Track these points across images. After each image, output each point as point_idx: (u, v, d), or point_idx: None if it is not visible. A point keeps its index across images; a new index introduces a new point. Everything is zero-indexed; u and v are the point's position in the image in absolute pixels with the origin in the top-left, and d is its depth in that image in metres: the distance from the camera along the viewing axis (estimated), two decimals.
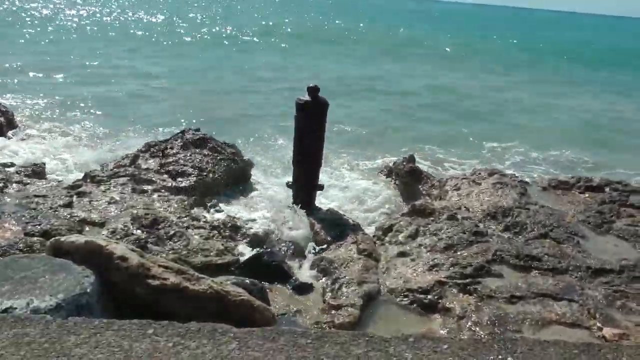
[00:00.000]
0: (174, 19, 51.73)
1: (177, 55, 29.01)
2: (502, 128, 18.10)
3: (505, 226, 7.07)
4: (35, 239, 5.78)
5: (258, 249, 6.70)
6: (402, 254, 6.48)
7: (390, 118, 18.60)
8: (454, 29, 75.08)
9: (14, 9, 50.59)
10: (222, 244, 6.46)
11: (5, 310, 3.42)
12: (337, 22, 68.81)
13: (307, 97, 7.50)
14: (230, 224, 7.00)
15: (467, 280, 5.74)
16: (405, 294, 5.63)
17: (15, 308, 3.46)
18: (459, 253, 6.30)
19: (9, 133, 11.69)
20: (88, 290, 3.77)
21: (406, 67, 32.05)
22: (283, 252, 6.73)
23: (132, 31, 40.43)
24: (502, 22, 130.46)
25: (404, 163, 10.06)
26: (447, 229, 6.82)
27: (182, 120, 15.42)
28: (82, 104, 16.78)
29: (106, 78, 21.49)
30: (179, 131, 9.81)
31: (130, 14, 54.78)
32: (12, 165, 9.19)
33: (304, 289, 5.98)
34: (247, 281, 5.24)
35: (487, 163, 13.23)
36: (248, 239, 6.84)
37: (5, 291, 3.61)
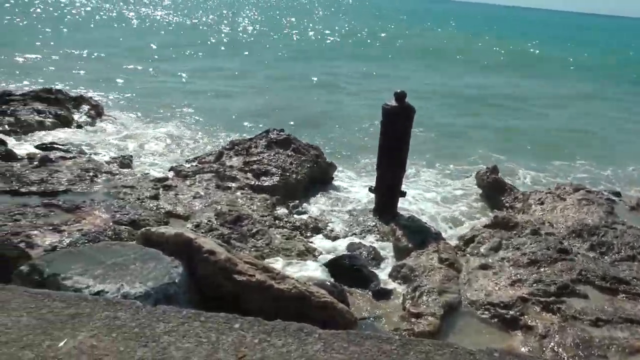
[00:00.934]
0: (260, 27, 52.15)
1: (263, 59, 29.27)
2: None
3: (591, 245, 6.84)
4: (123, 227, 5.96)
5: (339, 251, 6.69)
6: (484, 267, 6.35)
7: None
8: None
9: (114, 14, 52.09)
10: (304, 245, 6.48)
11: (98, 293, 3.52)
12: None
13: (393, 103, 7.47)
14: (311, 225, 7.03)
15: (551, 299, 5.56)
16: (486, 307, 5.53)
17: (107, 292, 3.56)
18: (542, 270, 6.12)
19: (99, 125, 12.05)
20: (176, 280, 3.85)
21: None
22: (364, 256, 6.69)
23: (222, 35, 41.06)
24: (575, 28, 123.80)
25: (488, 174, 9.88)
26: (531, 243, 6.65)
27: (266, 119, 15.55)
28: (169, 100, 17.15)
29: (193, 77, 21.92)
30: (263, 130, 9.90)
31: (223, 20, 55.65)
32: (100, 155, 9.50)
33: (383, 294, 5.95)
34: (328, 283, 5.28)
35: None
36: (330, 240, 6.83)
37: (98, 275, 3.73)
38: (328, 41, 38.23)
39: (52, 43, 26.55)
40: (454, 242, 7.30)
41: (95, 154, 9.57)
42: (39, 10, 38.11)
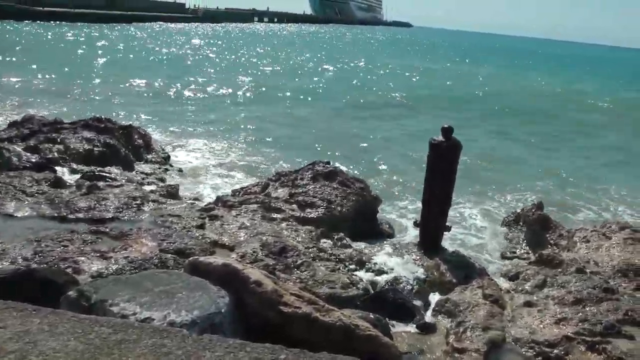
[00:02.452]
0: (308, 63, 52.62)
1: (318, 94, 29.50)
2: None
3: (638, 285, 6.64)
4: (169, 255, 5.98)
5: (383, 285, 6.62)
6: (528, 304, 6.23)
7: None
8: None
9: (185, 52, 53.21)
10: (348, 278, 6.42)
11: (144, 320, 3.51)
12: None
13: (440, 138, 7.44)
14: (356, 258, 6.96)
15: (596, 339, 5.39)
16: (530, 345, 5.41)
17: (154, 319, 3.56)
18: (587, 309, 5.95)
19: (148, 156, 12.19)
20: (222, 310, 3.84)
21: None
22: (407, 290, 6.62)
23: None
24: None
25: (533, 210, 9.72)
26: (576, 282, 6.49)
27: (312, 152, 15.65)
28: (222, 133, 17.37)
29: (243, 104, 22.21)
30: (309, 162, 9.91)
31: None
32: (148, 184, 9.60)
33: (427, 328, 5.89)
34: (372, 316, 5.21)
35: None
36: (373, 274, 6.77)
37: (145, 302, 3.73)
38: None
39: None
40: (498, 278, 7.19)
41: (143, 182, 9.66)
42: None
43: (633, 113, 31.94)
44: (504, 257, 8.60)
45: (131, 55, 41.90)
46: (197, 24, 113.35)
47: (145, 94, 24.18)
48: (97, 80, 26.59)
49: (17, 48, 38.85)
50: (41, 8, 72.51)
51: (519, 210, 10.51)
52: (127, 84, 26.46)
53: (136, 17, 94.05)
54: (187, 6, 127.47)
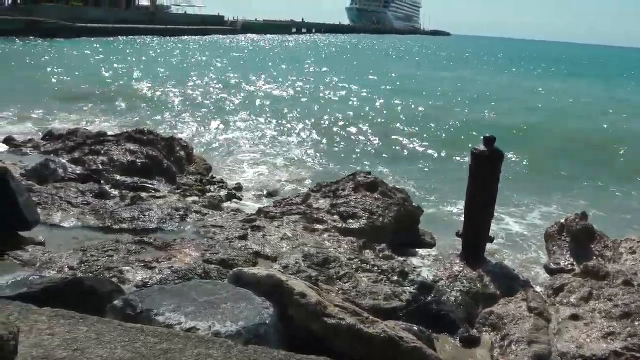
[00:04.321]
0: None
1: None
2: None
3: None
4: (212, 266, 6.00)
5: (426, 296, 6.56)
6: (574, 317, 6.06)
7: None
8: None
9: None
10: (390, 289, 6.37)
11: (189, 330, 3.53)
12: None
13: (482, 147, 7.37)
14: (398, 269, 6.89)
15: None
16: None
17: (199, 329, 3.57)
18: (636, 323, 5.77)
19: (190, 168, 12.31)
20: (267, 321, 3.83)
21: None
22: (451, 302, 6.54)
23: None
24: None
25: (577, 220, 9.54)
26: (623, 295, 6.29)
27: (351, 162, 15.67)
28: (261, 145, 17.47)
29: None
30: (350, 173, 9.90)
31: None
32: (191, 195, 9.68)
33: (471, 341, 5.83)
34: (416, 328, 5.17)
35: None
36: (416, 285, 6.70)
37: (190, 312, 3.75)
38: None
39: None
40: (542, 290, 7.07)
41: (185, 194, 9.75)
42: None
43: None
44: (547, 268, 8.43)
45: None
46: (241, 35, 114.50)
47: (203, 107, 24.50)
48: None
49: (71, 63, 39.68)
50: (84, 24, 73.84)
51: (562, 221, 10.35)
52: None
53: (177, 30, 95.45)
54: (226, 19, 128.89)
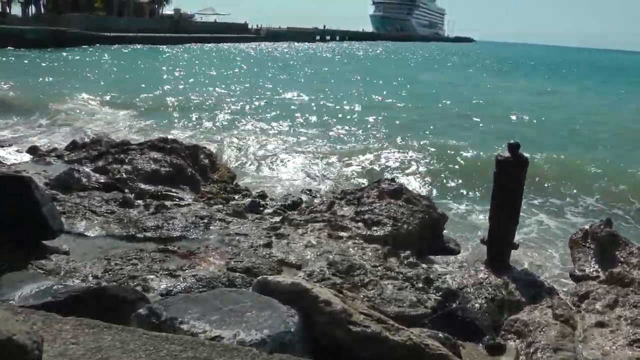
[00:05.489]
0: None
1: None
2: None
3: None
4: (237, 274, 6.00)
5: (451, 303, 6.50)
6: (600, 324, 5.97)
7: None
8: None
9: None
10: (415, 296, 6.33)
11: (214, 339, 3.51)
12: None
13: (507, 154, 7.31)
14: (423, 276, 6.85)
15: None
16: None
17: (223, 338, 3.55)
18: None
19: (214, 176, 12.34)
20: (292, 329, 3.80)
21: None
22: (476, 309, 6.48)
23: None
24: None
25: (601, 227, 9.43)
26: None
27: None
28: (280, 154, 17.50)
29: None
30: (374, 181, 9.87)
31: None
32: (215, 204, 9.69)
33: (497, 349, 5.74)
34: (441, 335, 5.12)
35: None
36: (441, 292, 6.65)
37: (214, 320, 3.73)
38: None
39: None
40: (567, 298, 6.99)
41: (209, 202, 9.77)
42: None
43: None
44: (572, 275, 8.33)
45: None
46: (268, 43, 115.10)
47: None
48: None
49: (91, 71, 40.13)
50: (108, 34, 74.71)
51: (587, 227, 10.25)
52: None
53: (201, 38, 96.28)
54: (249, 26, 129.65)
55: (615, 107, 38.10)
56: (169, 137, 13.38)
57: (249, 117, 24.25)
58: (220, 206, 9.50)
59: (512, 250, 7.86)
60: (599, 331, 5.85)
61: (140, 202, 8.92)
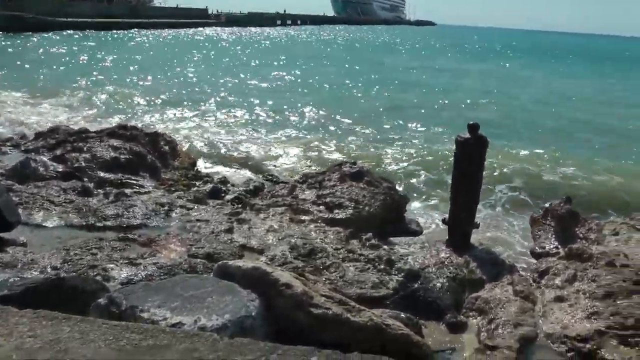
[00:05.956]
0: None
1: None
2: None
3: None
4: (198, 260, 5.99)
5: (412, 284, 6.57)
6: (559, 299, 6.11)
7: None
8: None
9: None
10: (377, 277, 6.38)
11: (175, 325, 3.50)
12: None
13: (467, 134, 7.38)
14: (385, 258, 6.89)
15: (629, 332, 5.26)
16: (562, 340, 5.32)
17: (184, 324, 3.55)
18: (619, 302, 5.80)
19: (175, 162, 12.21)
20: (253, 313, 3.83)
21: None
22: (437, 288, 6.55)
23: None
24: None
25: (561, 204, 9.60)
26: (606, 275, 6.34)
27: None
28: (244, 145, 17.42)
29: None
30: (336, 164, 9.88)
31: None
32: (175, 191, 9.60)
33: (458, 326, 5.83)
34: (403, 315, 5.18)
35: None
36: (403, 273, 6.70)
37: (175, 307, 3.73)
38: None
39: None
40: (527, 274, 7.12)
41: (170, 189, 9.68)
42: None
43: None
44: (533, 253, 8.48)
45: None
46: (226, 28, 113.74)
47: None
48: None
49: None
50: (65, 19, 73.28)
51: (547, 205, 10.41)
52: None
53: (160, 24, 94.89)
54: (209, 12, 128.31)
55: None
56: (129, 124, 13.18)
57: (210, 103, 24.03)
58: (181, 193, 9.41)
59: (474, 230, 7.96)
60: (558, 306, 5.98)
61: (100, 190, 8.79)
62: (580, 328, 5.44)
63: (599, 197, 12.80)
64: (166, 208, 7.86)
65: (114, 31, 78.27)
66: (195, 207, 8.21)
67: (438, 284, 6.64)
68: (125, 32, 79.79)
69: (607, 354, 5.05)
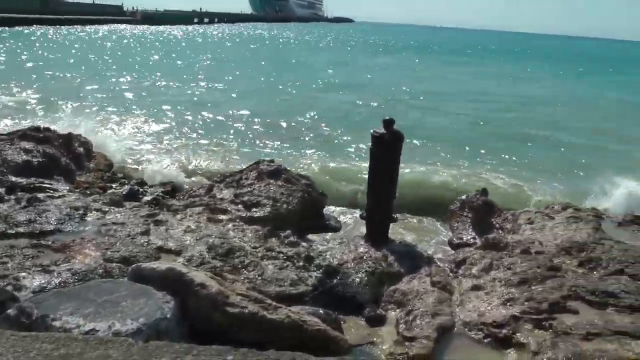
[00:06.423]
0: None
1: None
2: None
3: (580, 261, 6.79)
4: (114, 264, 5.90)
5: (331, 279, 6.65)
6: (476, 287, 6.33)
7: None
8: None
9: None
10: (296, 275, 6.45)
11: (88, 333, 3.47)
12: None
13: (382, 130, 7.50)
14: (304, 255, 6.97)
15: (542, 316, 5.51)
16: (479, 327, 5.50)
17: (98, 330, 3.52)
18: (533, 288, 6.07)
19: (90, 164, 11.96)
20: (168, 315, 3.82)
21: None
22: (356, 283, 6.65)
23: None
24: None
25: (477, 196, 9.88)
26: (521, 263, 6.63)
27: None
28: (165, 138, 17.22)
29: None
30: (253, 162, 9.89)
31: None
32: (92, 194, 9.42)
33: (377, 320, 5.94)
34: (322, 311, 5.25)
35: None
36: (322, 269, 6.78)
37: (88, 314, 3.69)
38: None
39: None
40: (445, 265, 7.31)
41: (85, 192, 9.48)
42: None
43: None
44: (451, 244, 8.71)
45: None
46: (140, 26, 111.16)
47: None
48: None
49: None
50: None
51: (463, 198, 10.66)
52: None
53: (72, 20, 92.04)
54: (125, 8, 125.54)
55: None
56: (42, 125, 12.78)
57: (128, 104, 23.53)
58: (97, 196, 9.21)
59: (392, 223, 8.10)
60: (475, 294, 6.20)
61: (11, 196, 8.53)
62: (496, 314, 5.63)
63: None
64: (81, 212, 7.68)
65: (18, 28, 74.96)
66: (111, 210, 8.06)
67: (357, 279, 6.74)
68: (33, 28, 76.96)
69: (522, 338, 5.25)
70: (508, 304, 5.83)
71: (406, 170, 12.43)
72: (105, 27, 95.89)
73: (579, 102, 32.81)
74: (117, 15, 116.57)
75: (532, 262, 6.63)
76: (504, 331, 5.37)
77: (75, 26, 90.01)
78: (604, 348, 4.97)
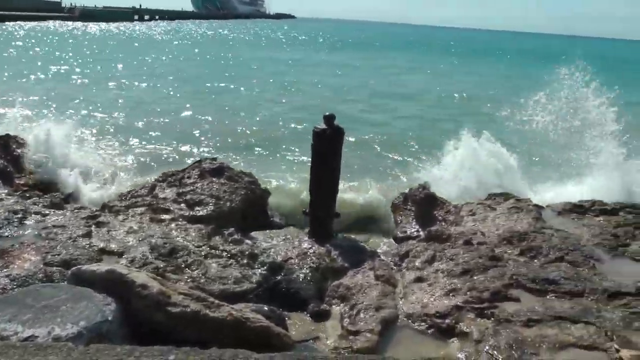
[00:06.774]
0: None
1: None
2: None
3: (521, 250, 7.01)
4: (54, 268, 5.82)
5: (276, 276, 6.68)
6: (419, 279, 6.45)
7: None
8: None
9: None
10: (240, 272, 6.47)
11: (27, 339, 3.43)
12: None
13: (323, 125, 7.55)
14: (248, 252, 6.99)
15: (484, 305, 5.67)
16: (422, 318, 5.60)
17: (37, 337, 3.48)
18: (475, 278, 6.23)
19: (30, 166, 11.70)
20: (109, 318, 3.80)
21: None
22: (300, 279, 6.71)
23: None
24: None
25: (420, 189, 10.01)
26: (464, 254, 6.79)
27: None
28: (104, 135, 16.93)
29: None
30: (196, 160, 9.84)
31: None
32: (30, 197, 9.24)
33: (322, 315, 6.00)
34: (266, 308, 5.30)
35: None
36: (266, 266, 6.81)
37: (27, 320, 3.64)
38: None
39: None
40: (389, 259, 7.40)
41: (24, 195, 9.29)
42: None
43: None
44: (395, 237, 8.81)
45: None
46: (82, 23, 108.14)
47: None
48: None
49: None
50: None
51: (406, 191, 10.77)
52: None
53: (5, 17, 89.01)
54: (63, 5, 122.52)
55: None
56: None
57: (68, 104, 23.01)
58: (37, 198, 9.06)
59: (335, 219, 8.16)
60: (418, 286, 6.32)
61: None
62: (439, 305, 5.76)
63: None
64: (19, 215, 7.51)
65: None
66: (52, 213, 7.92)
67: (301, 275, 6.81)
68: None
69: (465, 327, 5.38)
70: (451, 294, 5.97)
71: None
72: (32, 24, 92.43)
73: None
74: (55, 11, 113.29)
75: (474, 252, 6.79)
76: (447, 321, 5.49)
77: (9, 22, 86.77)
78: (544, 333, 5.15)
